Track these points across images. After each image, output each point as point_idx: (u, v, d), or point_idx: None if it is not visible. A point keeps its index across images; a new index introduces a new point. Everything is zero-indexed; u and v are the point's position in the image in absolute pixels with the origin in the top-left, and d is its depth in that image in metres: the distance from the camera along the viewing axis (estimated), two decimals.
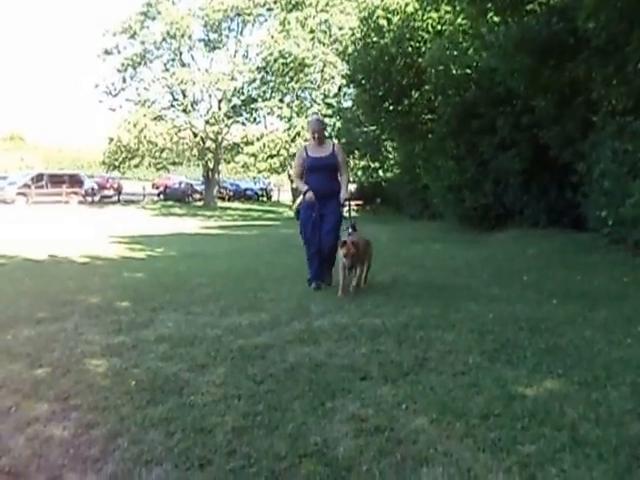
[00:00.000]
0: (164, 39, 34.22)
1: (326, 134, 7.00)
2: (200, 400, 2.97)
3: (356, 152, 32.01)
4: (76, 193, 32.73)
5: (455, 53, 14.12)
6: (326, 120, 33.05)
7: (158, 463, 2.34)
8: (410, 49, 16.43)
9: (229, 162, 38.74)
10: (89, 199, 33.56)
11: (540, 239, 11.56)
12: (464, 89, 14.44)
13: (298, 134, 32.52)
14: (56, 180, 32.38)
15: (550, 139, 11.90)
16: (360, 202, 34.45)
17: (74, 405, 2.94)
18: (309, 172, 6.37)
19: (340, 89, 32.97)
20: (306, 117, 33.15)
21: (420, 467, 2.27)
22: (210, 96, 36.11)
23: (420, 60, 15.72)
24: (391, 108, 17.73)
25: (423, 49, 15.99)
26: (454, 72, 14.27)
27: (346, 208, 6.62)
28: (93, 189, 34.75)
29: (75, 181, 33.47)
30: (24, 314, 5.01)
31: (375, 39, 17.14)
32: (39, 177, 31.98)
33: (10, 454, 2.43)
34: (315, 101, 34.09)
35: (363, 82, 17.93)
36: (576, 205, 11.58)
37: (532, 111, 12.21)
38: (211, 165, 36.46)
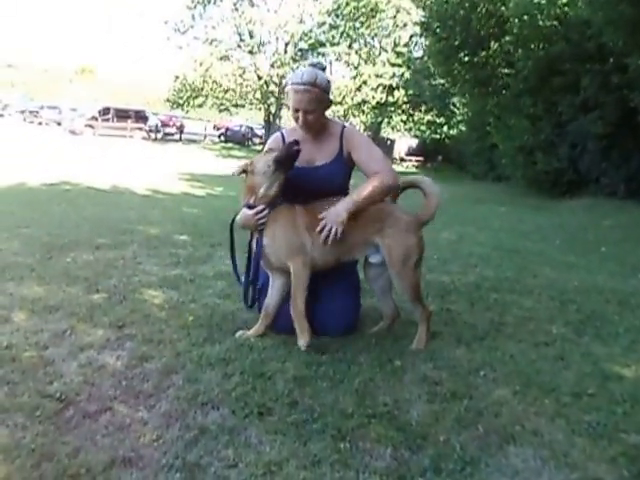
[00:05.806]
0: None
1: (328, 112, 3.11)
2: (260, 343, 2.78)
3: (422, 105, 31.10)
4: (140, 129, 33.34)
5: (543, 2, 13.14)
6: (394, 70, 31.82)
7: (215, 407, 2.16)
8: None
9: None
10: (152, 135, 34.05)
11: (617, 210, 10.88)
12: (549, 42, 13.51)
13: (365, 82, 31.63)
14: (122, 115, 33.10)
15: None
16: (421, 158, 33.73)
17: (129, 334, 2.83)
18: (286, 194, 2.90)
19: (411, 38, 31.75)
20: (374, 65, 32.01)
21: (507, 445, 1.99)
22: (277, 39, 35.30)
23: (503, 8, 14.75)
24: (466, 59, 16.86)
25: None
26: (540, 23, 13.33)
27: None
28: (157, 126, 35.21)
29: (140, 117, 34.01)
30: (84, 239, 5.05)
31: None
32: (106, 110, 32.74)
33: (62, 380, 2.31)
34: (384, 49, 32.91)
35: (438, 31, 17.09)
36: None
37: (624, 70, 11.28)
38: (273, 110, 36.01)
